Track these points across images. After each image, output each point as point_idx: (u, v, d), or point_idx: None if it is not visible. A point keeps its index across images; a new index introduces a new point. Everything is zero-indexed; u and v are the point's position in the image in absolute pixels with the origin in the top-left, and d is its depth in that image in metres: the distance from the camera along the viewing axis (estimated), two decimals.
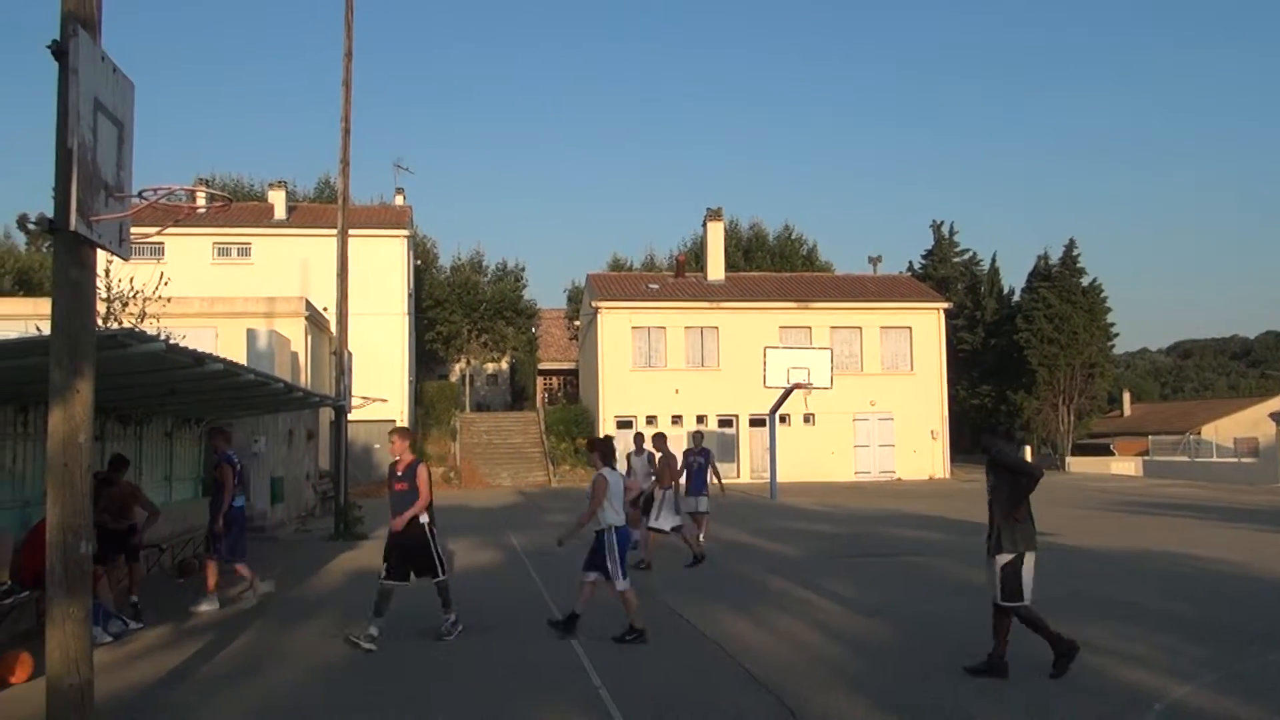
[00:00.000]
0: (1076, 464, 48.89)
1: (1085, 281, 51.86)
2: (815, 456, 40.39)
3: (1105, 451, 55.09)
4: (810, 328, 41.72)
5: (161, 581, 12.70)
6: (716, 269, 45.30)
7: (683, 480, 16.63)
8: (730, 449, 40.85)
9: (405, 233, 41.65)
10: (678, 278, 45.93)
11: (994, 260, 61.00)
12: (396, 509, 9.19)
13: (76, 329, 5.96)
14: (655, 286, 44.08)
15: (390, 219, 42.94)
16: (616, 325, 41.39)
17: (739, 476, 40.46)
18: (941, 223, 61.88)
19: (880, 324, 42.68)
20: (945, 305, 44.60)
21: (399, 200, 48.00)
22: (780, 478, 31.46)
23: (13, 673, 7.69)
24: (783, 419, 35.21)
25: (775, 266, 55.27)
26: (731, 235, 54.77)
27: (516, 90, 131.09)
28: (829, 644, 8.90)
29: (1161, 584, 12.28)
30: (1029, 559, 7.65)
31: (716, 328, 41.72)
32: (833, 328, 41.93)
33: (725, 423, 41.12)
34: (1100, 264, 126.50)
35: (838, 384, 33.64)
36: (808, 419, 39.97)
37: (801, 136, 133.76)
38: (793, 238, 60.97)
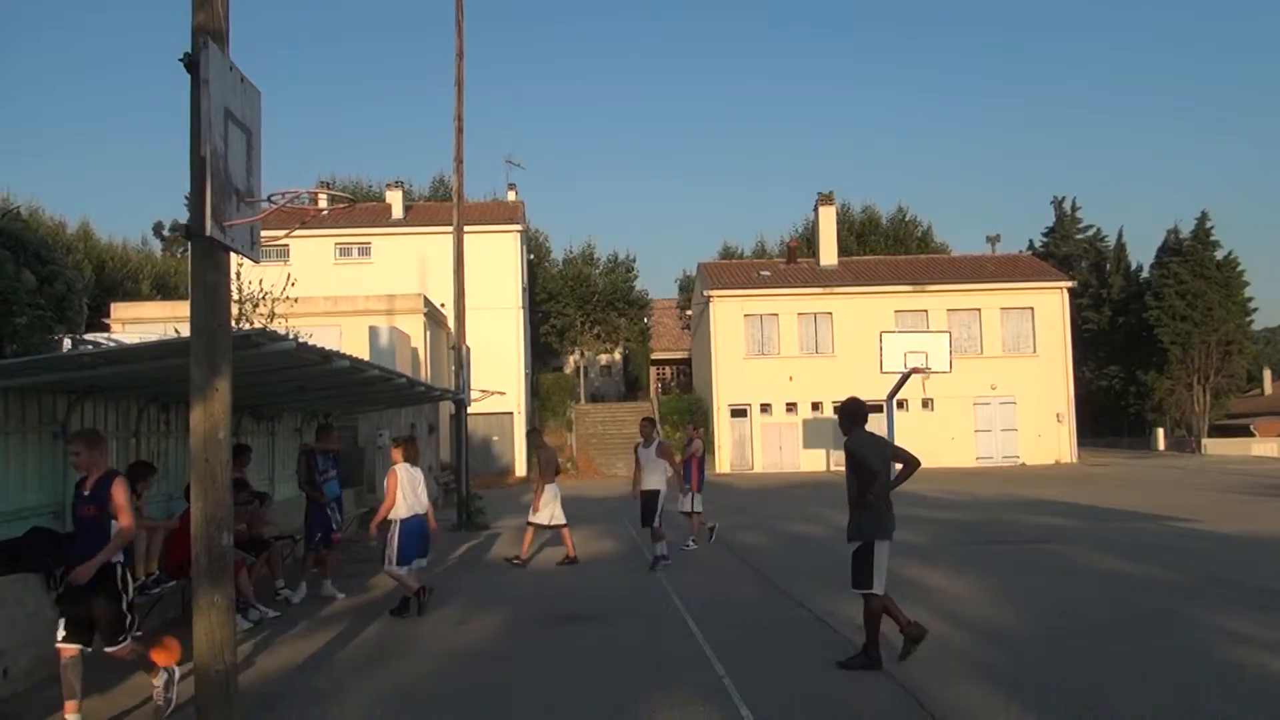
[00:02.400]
0: (1213, 446, 46.76)
1: (1220, 255, 49.50)
2: (935, 442, 39.48)
3: (1245, 433, 52.53)
4: (927, 311, 40.85)
5: (296, 572, 13.10)
6: (829, 254, 44.71)
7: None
8: None
9: (518, 227, 42.26)
10: (789, 264, 45.52)
11: (1120, 236, 58.71)
12: (82, 545, 6.51)
13: (214, 329, 6.20)
14: (767, 274, 43.77)
15: (503, 214, 43.62)
16: (729, 313, 41.26)
17: None
18: (1063, 199, 60.05)
19: (1000, 305, 41.50)
20: (1069, 284, 43.10)
21: (511, 196, 48.72)
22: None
23: (163, 658, 8.08)
24: (900, 404, 34.62)
25: (889, 250, 54.30)
26: (844, 219, 54.01)
27: (624, 84, 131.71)
28: (956, 633, 8.69)
29: None
30: (880, 547, 7.48)
31: (830, 313, 41.21)
32: (950, 310, 40.98)
33: None
34: (1236, 235, 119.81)
35: (957, 367, 32.90)
36: (926, 404, 39.22)
37: (913, 116, 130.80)
38: (907, 220, 59.84)
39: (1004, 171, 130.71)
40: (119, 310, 29.26)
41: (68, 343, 10.45)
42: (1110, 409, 53.75)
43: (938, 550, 14.40)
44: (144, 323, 25.77)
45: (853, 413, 7.84)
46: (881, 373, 30.75)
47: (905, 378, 30.29)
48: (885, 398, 31.31)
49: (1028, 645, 8.21)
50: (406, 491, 10.05)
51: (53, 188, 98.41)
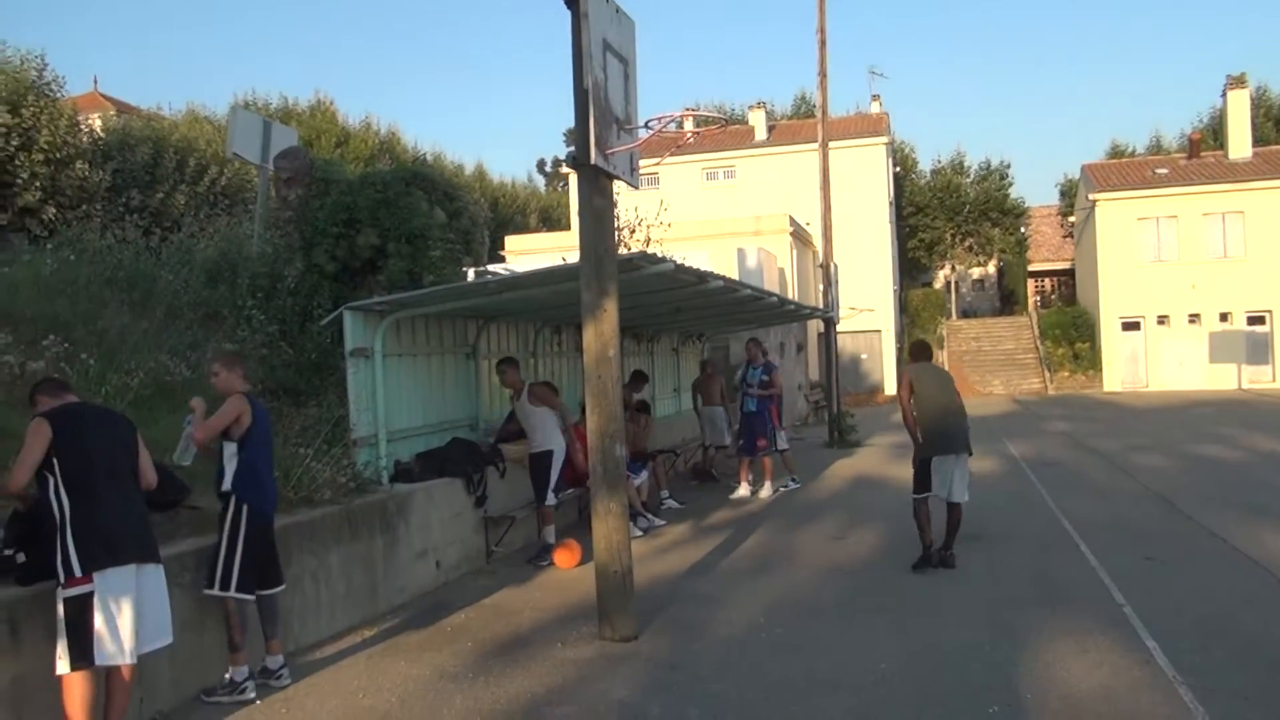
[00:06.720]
0: None
1: None
2: None
3: None
4: None
5: (678, 485, 13.77)
6: (1240, 145, 39.41)
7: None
8: (1263, 349, 35.83)
9: (883, 140, 41.00)
10: (1191, 159, 40.71)
11: None
12: None
13: (601, 253, 6.57)
14: (1163, 171, 39.47)
15: (867, 127, 42.48)
16: (1118, 217, 37.74)
17: (1274, 380, 35.47)
18: None
19: None
20: None
21: (875, 107, 47.26)
22: None
23: (565, 558, 8.87)
24: None
25: None
26: (1259, 104, 47.36)
27: None
28: None
29: None
30: (940, 461, 8.25)
31: (1242, 212, 36.47)
32: None
33: (1256, 320, 36.06)
34: None
35: None
36: None
37: None
38: None
39: None
40: (512, 243, 31.76)
41: (471, 274, 11.47)
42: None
43: None
44: (533, 253, 27.69)
45: (920, 348, 9.07)
46: None
47: None
48: None
49: None
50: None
51: (451, 136, 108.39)
